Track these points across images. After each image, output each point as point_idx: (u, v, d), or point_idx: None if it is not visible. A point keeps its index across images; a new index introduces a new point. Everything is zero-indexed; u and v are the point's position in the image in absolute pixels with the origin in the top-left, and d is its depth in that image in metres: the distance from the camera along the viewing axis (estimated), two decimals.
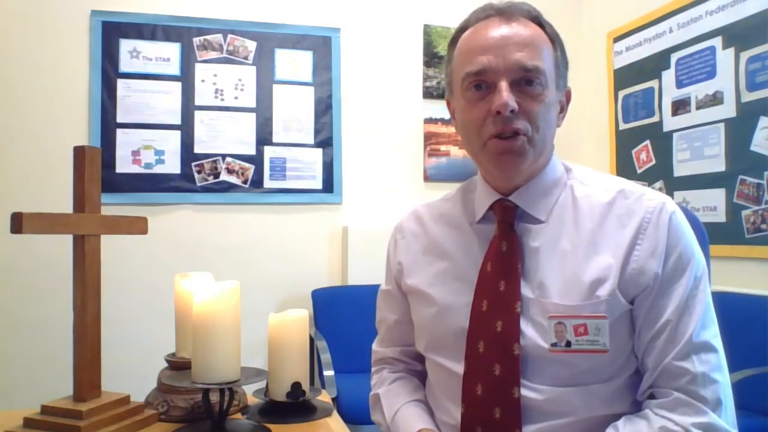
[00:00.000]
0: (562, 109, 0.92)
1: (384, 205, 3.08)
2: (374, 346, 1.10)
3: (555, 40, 0.90)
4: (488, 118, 0.84)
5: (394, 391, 1.00)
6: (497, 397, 0.82)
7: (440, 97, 3.10)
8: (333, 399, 2.20)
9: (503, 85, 0.83)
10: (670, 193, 2.73)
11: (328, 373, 2.36)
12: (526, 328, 0.83)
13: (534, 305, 0.83)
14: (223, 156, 2.90)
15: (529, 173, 0.89)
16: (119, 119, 2.79)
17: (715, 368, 0.79)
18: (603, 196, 0.87)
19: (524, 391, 0.81)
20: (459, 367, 0.87)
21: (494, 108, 0.82)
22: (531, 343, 0.82)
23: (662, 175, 2.78)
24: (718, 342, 0.82)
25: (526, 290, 0.85)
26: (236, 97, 2.93)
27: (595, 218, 0.86)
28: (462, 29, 0.92)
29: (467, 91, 0.87)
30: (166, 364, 1.08)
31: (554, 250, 0.85)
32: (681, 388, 0.78)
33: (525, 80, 0.84)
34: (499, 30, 0.86)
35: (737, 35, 2.41)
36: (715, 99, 2.50)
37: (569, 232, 0.86)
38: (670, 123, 2.74)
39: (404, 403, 0.97)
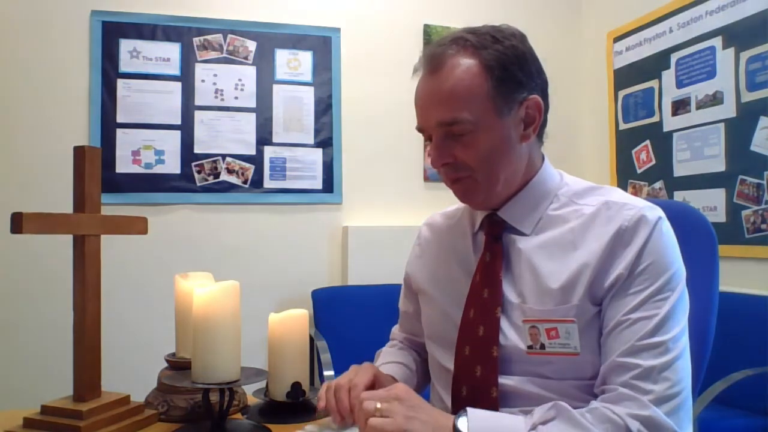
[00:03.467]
0: (532, 122, 0.91)
1: (384, 205, 3.08)
2: (393, 328, 1.21)
3: (493, 65, 0.87)
4: (436, 167, 0.94)
5: (393, 353, 1.12)
6: (478, 397, 0.87)
7: None
8: None
9: (434, 142, 0.91)
10: (670, 193, 2.73)
11: (328, 373, 2.36)
12: (509, 330, 0.88)
13: (516, 309, 0.88)
14: (223, 156, 2.90)
15: (503, 194, 0.93)
16: (119, 119, 2.79)
17: (667, 368, 0.78)
18: (587, 210, 0.90)
19: (504, 380, 0.86)
20: (450, 363, 0.95)
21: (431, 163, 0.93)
22: (512, 344, 0.87)
23: (662, 175, 2.78)
24: (677, 346, 0.80)
25: (511, 295, 0.90)
26: (236, 97, 2.93)
27: (577, 230, 0.88)
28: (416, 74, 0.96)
29: (425, 140, 0.96)
30: (166, 364, 1.08)
31: (535, 260, 0.89)
32: (626, 383, 0.78)
33: (451, 132, 0.89)
34: (423, 88, 0.92)
35: (737, 35, 2.41)
36: (715, 99, 2.50)
37: (551, 243, 0.90)
38: (670, 123, 2.74)
39: (394, 361, 1.07)
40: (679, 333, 0.81)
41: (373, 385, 0.92)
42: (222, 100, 2.91)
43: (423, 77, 0.92)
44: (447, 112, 0.88)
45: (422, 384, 1.10)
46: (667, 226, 0.86)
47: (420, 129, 0.94)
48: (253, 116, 2.94)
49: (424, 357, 1.11)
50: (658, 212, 0.86)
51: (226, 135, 2.90)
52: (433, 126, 0.90)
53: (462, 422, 0.76)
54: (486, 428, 0.76)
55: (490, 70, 0.87)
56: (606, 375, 0.81)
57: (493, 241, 0.94)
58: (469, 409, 0.78)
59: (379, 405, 0.77)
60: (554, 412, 0.77)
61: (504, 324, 0.88)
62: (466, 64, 0.88)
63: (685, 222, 0.90)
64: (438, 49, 0.90)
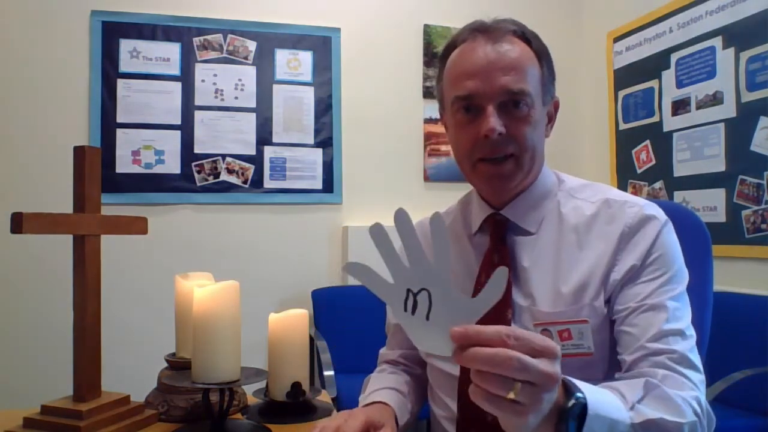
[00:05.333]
0: (551, 120, 0.95)
1: (384, 205, 3.07)
2: (381, 350, 1.14)
3: (541, 55, 0.90)
4: (477, 141, 0.87)
5: (383, 378, 1.03)
6: None
7: None
8: (333, 399, 2.20)
9: (490, 109, 0.85)
10: (670, 193, 2.73)
11: (328, 373, 2.36)
12: None
13: (525, 313, 0.87)
14: (223, 156, 2.90)
15: (522, 186, 0.93)
16: (119, 119, 2.80)
17: (691, 352, 0.80)
18: (588, 208, 0.90)
19: None
20: (455, 369, 0.91)
21: (482, 132, 0.85)
22: None
23: (662, 175, 2.78)
24: (693, 334, 0.82)
25: (519, 299, 0.88)
26: (236, 97, 2.93)
27: (581, 230, 0.89)
28: (451, 46, 0.93)
29: (457, 113, 0.90)
30: (166, 364, 1.08)
31: (542, 261, 0.89)
32: (664, 365, 0.78)
33: (512, 102, 0.86)
34: (485, 53, 0.87)
35: (737, 35, 2.41)
36: (715, 99, 2.50)
37: (557, 244, 0.89)
38: (670, 123, 2.74)
39: (384, 387, 0.99)
40: (690, 323, 0.83)
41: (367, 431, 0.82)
42: (222, 100, 2.91)
43: (480, 44, 0.88)
44: (516, 80, 0.85)
45: (416, 406, 1.03)
46: (673, 231, 0.89)
47: (467, 97, 0.87)
48: (253, 116, 2.94)
49: (417, 373, 1.07)
50: (657, 209, 0.88)
51: (226, 135, 2.90)
52: (497, 92, 0.85)
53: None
54: (597, 398, 0.66)
55: (540, 59, 0.90)
56: (636, 360, 0.80)
57: (499, 241, 0.93)
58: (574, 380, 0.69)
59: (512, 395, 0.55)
60: (645, 390, 0.73)
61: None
62: (523, 45, 0.89)
63: (679, 222, 0.90)
64: (494, 24, 0.90)
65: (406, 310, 0.61)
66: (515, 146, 0.87)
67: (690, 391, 0.76)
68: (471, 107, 0.87)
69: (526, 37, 0.90)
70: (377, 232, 0.64)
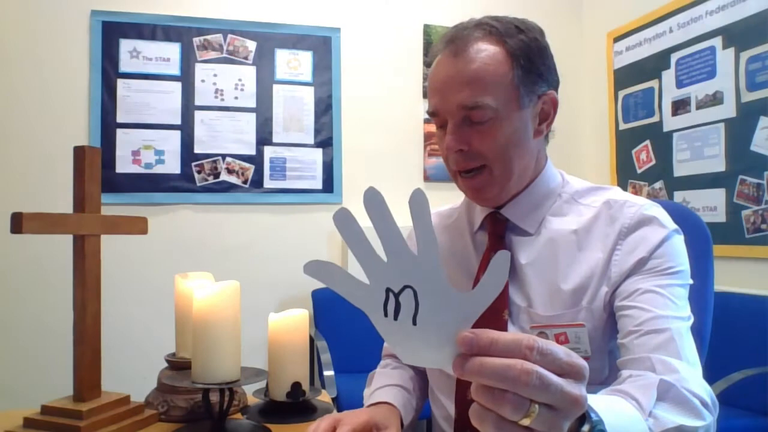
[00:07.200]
0: (546, 117, 0.91)
1: None
2: (385, 344, 1.13)
3: (519, 54, 0.86)
4: (450, 154, 0.88)
5: (388, 374, 1.04)
6: None
7: None
8: (333, 399, 2.20)
9: (450, 126, 0.87)
10: (670, 193, 2.73)
11: (328, 373, 2.36)
12: None
13: (523, 314, 0.87)
14: (223, 156, 2.90)
15: (514, 190, 0.92)
16: (119, 119, 2.80)
17: (687, 332, 0.79)
18: (590, 211, 0.89)
19: None
20: None
21: (444, 148, 0.88)
22: None
23: (662, 175, 2.78)
24: (690, 318, 0.81)
25: (517, 299, 0.88)
26: (236, 97, 2.93)
27: (581, 232, 0.88)
28: (432, 57, 0.93)
29: (436, 127, 0.92)
30: (166, 364, 1.08)
31: (541, 262, 0.88)
32: (659, 346, 0.76)
33: (471, 118, 0.85)
34: (445, 69, 0.87)
35: (737, 35, 2.41)
36: (715, 99, 2.50)
37: (555, 246, 0.88)
38: (670, 123, 2.74)
39: (389, 384, 0.99)
40: (690, 313, 0.82)
41: (369, 431, 0.83)
42: (222, 100, 2.91)
43: (444, 59, 0.88)
44: (471, 96, 0.84)
45: (421, 402, 1.04)
46: (681, 237, 0.88)
47: (433, 113, 0.89)
48: (253, 116, 2.94)
49: (421, 369, 1.06)
50: (661, 211, 0.87)
51: (226, 135, 2.90)
52: (453, 109, 0.86)
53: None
54: (615, 417, 0.59)
55: (516, 59, 0.86)
56: (632, 341, 0.77)
57: (498, 240, 0.92)
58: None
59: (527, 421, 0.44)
60: (660, 391, 0.69)
61: (510, 329, 0.86)
62: (492, 49, 0.86)
63: (680, 223, 0.90)
64: (462, 32, 0.88)
65: (386, 315, 0.49)
66: (480, 159, 0.87)
67: (700, 381, 0.73)
68: (441, 122, 0.89)
69: (502, 34, 0.87)
70: (343, 218, 0.53)
